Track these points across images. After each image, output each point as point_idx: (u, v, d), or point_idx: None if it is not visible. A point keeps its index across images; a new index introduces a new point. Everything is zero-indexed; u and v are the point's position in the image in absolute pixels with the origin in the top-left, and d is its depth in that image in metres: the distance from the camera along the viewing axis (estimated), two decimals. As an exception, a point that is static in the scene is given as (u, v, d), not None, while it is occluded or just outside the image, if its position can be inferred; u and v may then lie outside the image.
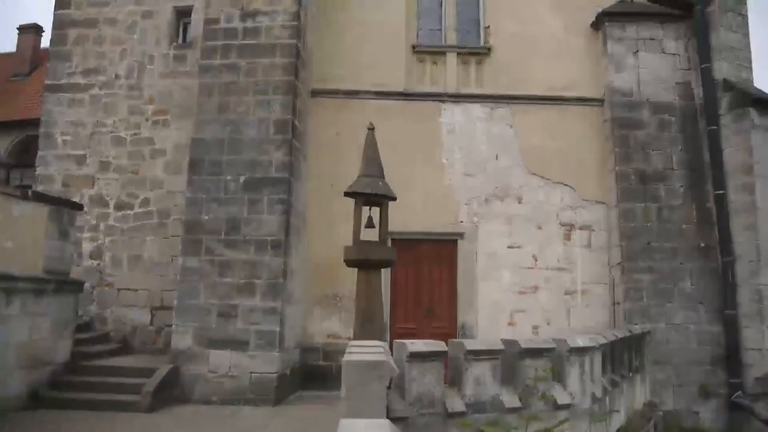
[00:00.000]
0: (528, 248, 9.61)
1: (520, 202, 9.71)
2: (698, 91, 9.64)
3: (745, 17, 9.87)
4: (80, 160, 10.34)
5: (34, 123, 14.92)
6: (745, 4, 9.89)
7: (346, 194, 5.56)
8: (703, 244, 9.17)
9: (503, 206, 9.69)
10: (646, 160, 9.48)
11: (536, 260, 9.58)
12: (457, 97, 9.94)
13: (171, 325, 8.38)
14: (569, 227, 9.71)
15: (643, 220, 9.26)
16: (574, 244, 9.66)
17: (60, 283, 7.85)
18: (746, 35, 9.85)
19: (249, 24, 9.00)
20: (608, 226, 9.67)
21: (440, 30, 10.37)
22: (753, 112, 9.07)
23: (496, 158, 9.80)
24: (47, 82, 10.70)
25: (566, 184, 9.79)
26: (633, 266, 9.12)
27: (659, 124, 9.61)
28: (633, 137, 9.55)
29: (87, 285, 9.42)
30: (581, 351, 5.54)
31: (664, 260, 9.12)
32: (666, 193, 9.36)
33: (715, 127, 9.30)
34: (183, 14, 10.66)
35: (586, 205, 9.77)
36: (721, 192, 9.11)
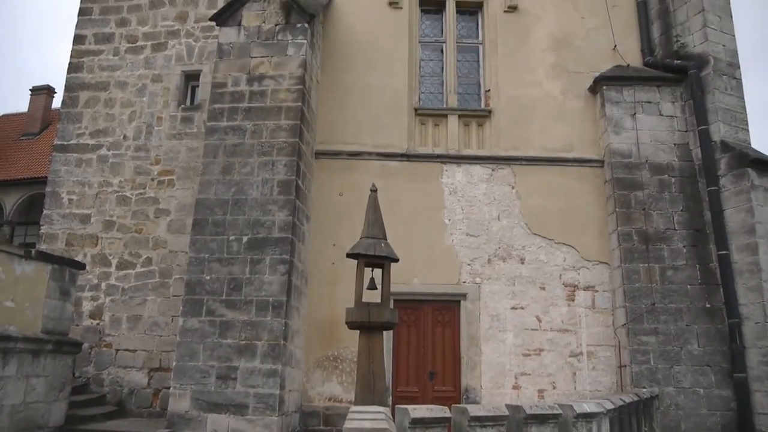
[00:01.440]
0: (531, 309, 9.52)
1: (522, 263, 9.69)
2: (697, 152, 9.76)
3: (739, 81, 10.10)
4: (85, 219, 10.43)
5: (41, 181, 15.15)
6: (739, 68, 10.14)
7: (349, 255, 5.56)
8: (708, 305, 9.07)
9: (506, 266, 9.66)
10: (648, 221, 9.51)
11: (540, 321, 9.47)
12: (459, 159, 10.08)
13: (169, 387, 8.22)
14: (572, 288, 9.65)
15: (646, 280, 9.20)
16: (578, 305, 9.57)
17: (58, 343, 7.76)
18: (741, 98, 10.05)
19: (255, 87, 9.25)
20: (612, 287, 9.60)
21: (442, 93, 10.64)
22: (752, 173, 9.15)
23: (498, 218, 9.85)
24: (57, 142, 10.92)
25: (568, 245, 9.78)
26: (639, 328, 9.00)
27: (659, 185, 9.69)
28: (634, 198, 9.62)
29: (85, 345, 9.32)
30: (588, 417, 5.41)
31: (670, 322, 9.01)
32: (669, 254, 9.34)
33: (715, 188, 9.37)
34: (191, 78, 10.97)
35: (589, 265, 9.74)
36: (724, 252, 9.07)
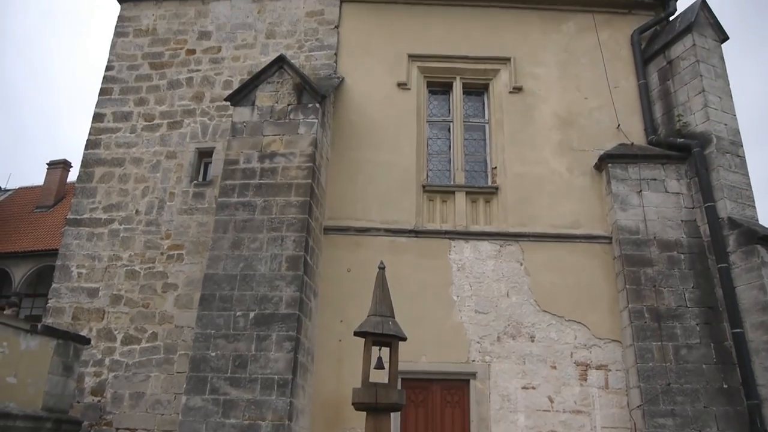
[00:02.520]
0: (543, 389, 9.26)
1: (532, 341, 9.52)
2: (704, 229, 9.76)
3: (742, 159, 10.21)
4: (92, 293, 10.42)
5: (51, 254, 15.30)
6: (741, 146, 10.29)
7: (356, 333, 5.52)
8: (726, 386, 8.80)
9: (516, 344, 9.49)
10: (659, 298, 9.39)
11: (552, 402, 9.19)
12: (467, 235, 10.13)
13: (168, 470, 7.94)
14: (585, 367, 9.42)
15: (660, 360, 8.98)
16: (590, 385, 9.31)
17: (58, 422, 7.60)
18: (746, 175, 10.14)
19: (267, 164, 9.46)
20: (625, 366, 9.37)
21: (449, 170, 10.84)
22: (761, 250, 9.10)
23: (507, 295, 9.77)
24: (70, 216, 11.08)
25: (579, 322, 9.64)
26: (655, 410, 8.70)
27: (669, 262, 9.64)
28: (644, 274, 9.54)
29: (85, 423, 9.09)
30: None
31: (687, 403, 8.72)
32: (682, 332, 9.16)
33: (726, 265, 9.30)
34: (205, 155, 11.24)
35: (601, 343, 9.55)
36: (738, 330, 8.89)
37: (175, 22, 12.11)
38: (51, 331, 7.97)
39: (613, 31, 11.53)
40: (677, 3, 11.43)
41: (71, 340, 8.15)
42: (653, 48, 11.34)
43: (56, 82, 65.22)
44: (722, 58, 10.82)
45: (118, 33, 12.19)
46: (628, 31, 11.50)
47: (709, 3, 11.05)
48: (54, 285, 10.60)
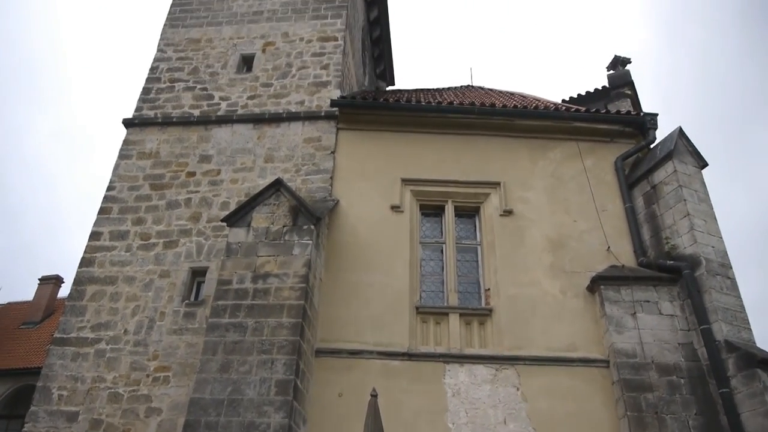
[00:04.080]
0: None
1: (532, 473, 9.04)
2: (702, 352, 9.61)
3: (733, 280, 10.24)
4: (72, 417, 9.95)
5: (33, 372, 14.79)
6: (731, 268, 10.37)
7: (347, 470, 5.25)
8: None
9: (515, 477, 9.00)
10: (662, 426, 9.04)
11: None
12: (461, 358, 9.93)
13: None
14: (590, 503, 8.88)
15: (669, 495, 8.49)
16: None
17: None
18: (738, 297, 10.12)
19: (260, 285, 9.45)
20: (632, 501, 8.83)
21: (443, 292, 10.84)
22: (762, 374, 8.89)
23: (504, 422, 9.39)
24: (56, 335, 10.84)
25: (581, 452, 9.21)
26: None
27: (669, 386, 9.39)
28: (644, 400, 9.26)
29: None
30: None
31: None
32: (689, 463, 8.74)
33: (727, 390, 9.05)
34: (198, 274, 11.22)
35: (605, 475, 9.07)
36: (748, 461, 8.51)
37: (178, 146, 12.61)
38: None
39: (597, 158, 12.05)
40: (656, 132, 12.05)
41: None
42: (636, 173, 11.80)
43: (57, 198, 66.55)
44: (704, 183, 11.21)
45: (122, 155, 12.64)
46: (611, 158, 12.01)
47: (688, 132, 11.62)
48: (32, 408, 10.14)
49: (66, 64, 71.04)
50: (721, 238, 10.71)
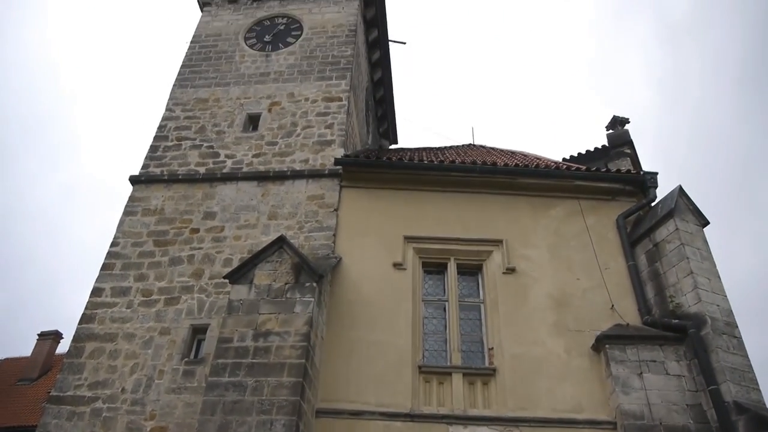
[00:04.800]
0: None
1: None
2: (711, 413, 9.38)
3: (739, 339, 10.09)
4: (63, 482, 9.69)
5: (28, 430, 14.44)
6: (737, 327, 10.23)
7: None
8: None
9: None
10: (675, 492, 8.75)
11: None
12: (465, 420, 9.69)
13: None
14: None
15: None
16: None
17: None
18: (745, 357, 9.94)
19: (260, 343, 9.35)
20: None
21: (446, 351, 10.68)
22: (773, 437, 8.69)
23: (511, 488, 9.11)
24: (53, 393, 10.66)
25: None
26: None
27: (678, 450, 9.14)
28: (653, 464, 8.99)
29: None
30: None
31: None
32: None
33: (740, 455, 8.81)
34: (199, 331, 11.12)
35: None
36: None
37: (183, 203, 12.75)
38: None
39: (599, 216, 12.11)
40: (656, 190, 12.15)
41: None
42: (638, 231, 11.83)
43: (60, 253, 66.63)
44: (706, 242, 11.20)
45: (127, 212, 12.75)
46: (613, 216, 12.06)
47: (687, 189, 11.69)
48: (25, 470, 9.90)
49: (76, 123, 72.74)
50: (726, 296, 10.61)
